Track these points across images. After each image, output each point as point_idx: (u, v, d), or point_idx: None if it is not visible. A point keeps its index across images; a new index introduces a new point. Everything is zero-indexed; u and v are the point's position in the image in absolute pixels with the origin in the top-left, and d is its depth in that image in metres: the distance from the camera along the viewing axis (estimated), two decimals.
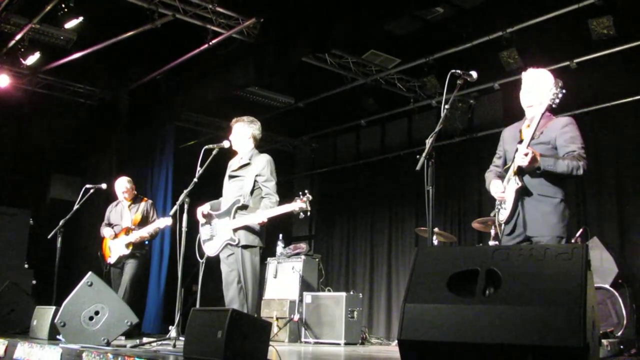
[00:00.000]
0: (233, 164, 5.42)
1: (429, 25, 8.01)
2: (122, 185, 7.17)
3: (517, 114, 4.28)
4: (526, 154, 3.66)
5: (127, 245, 6.79)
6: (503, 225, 4.01)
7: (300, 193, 4.77)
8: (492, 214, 4.19)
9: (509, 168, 3.97)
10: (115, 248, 6.90)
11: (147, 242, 7.01)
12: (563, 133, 3.88)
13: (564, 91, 3.65)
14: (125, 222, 7.02)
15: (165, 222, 6.63)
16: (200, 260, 5.32)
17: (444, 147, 9.10)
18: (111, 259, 6.90)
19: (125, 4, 7.15)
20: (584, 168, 3.75)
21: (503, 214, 3.99)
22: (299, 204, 4.77)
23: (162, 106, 9.89)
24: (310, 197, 4.77)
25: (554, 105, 3.71)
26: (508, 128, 4.27)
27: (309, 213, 4.83)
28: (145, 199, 7.30)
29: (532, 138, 3.78)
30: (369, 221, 10.65)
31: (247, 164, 5.26)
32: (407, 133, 10.38)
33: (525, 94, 4.08)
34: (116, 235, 6.95)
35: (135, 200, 7.19)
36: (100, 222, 7.27)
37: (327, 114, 10.79)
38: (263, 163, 5.21)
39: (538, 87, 4.00)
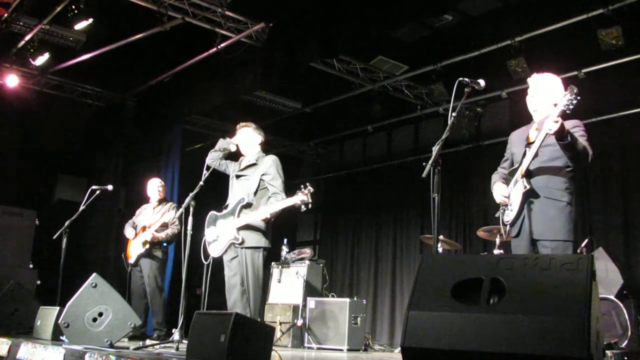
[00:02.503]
0: (241, 165, 5.45)
1: (437, 33, 8.02)
2: (155, 185, 7.32)
3: (524, 123, 4.30)
4: (556, 121, 3.60)
5: (143, 244, 6.87)
6: (508, 226, 4.01)
7: (302, 186, 4.75)
8: (496, 215, 4.18)
9: (515, 171, 3.97)
10: (134, 248, 7.00)
11: (165, 244, 7.06)
12: (572, 133, 3.89)
13: (578, 98, 3.62)
14: (145, 222, 7.10)
15: (169, 217, 6.78)
16: (205, 262, 5.33)
17: (451, 154, 9.08)
18: (131, 259, 7.00)
19: (136, 7, 7.18)
20: (591, 159, 3.81)
21: (509, 215, 4.00)
22: (301, 197, 4.75)
23: (169, 109, 9.92)
24: (312, 190, 4.73)
25: (568, 111, 3.66)
26: (516, 132, 4.31)
27: (310, 205, 4.78)
28: (171, 202, 7.42)
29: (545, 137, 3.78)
30: (374, 227, 10.63)
31: (254, 164, 5.31)
32: (414, 140, 10.37)
33: (531, 99, 4.11)
34: (136, 235, 7.06)
35: (161, 202, 7.30)
36: (105, 223, 7.29)
37: (334, 120, 10.80)
38: (269, 162, 5.24)
39: (542, 91, 4.03)
